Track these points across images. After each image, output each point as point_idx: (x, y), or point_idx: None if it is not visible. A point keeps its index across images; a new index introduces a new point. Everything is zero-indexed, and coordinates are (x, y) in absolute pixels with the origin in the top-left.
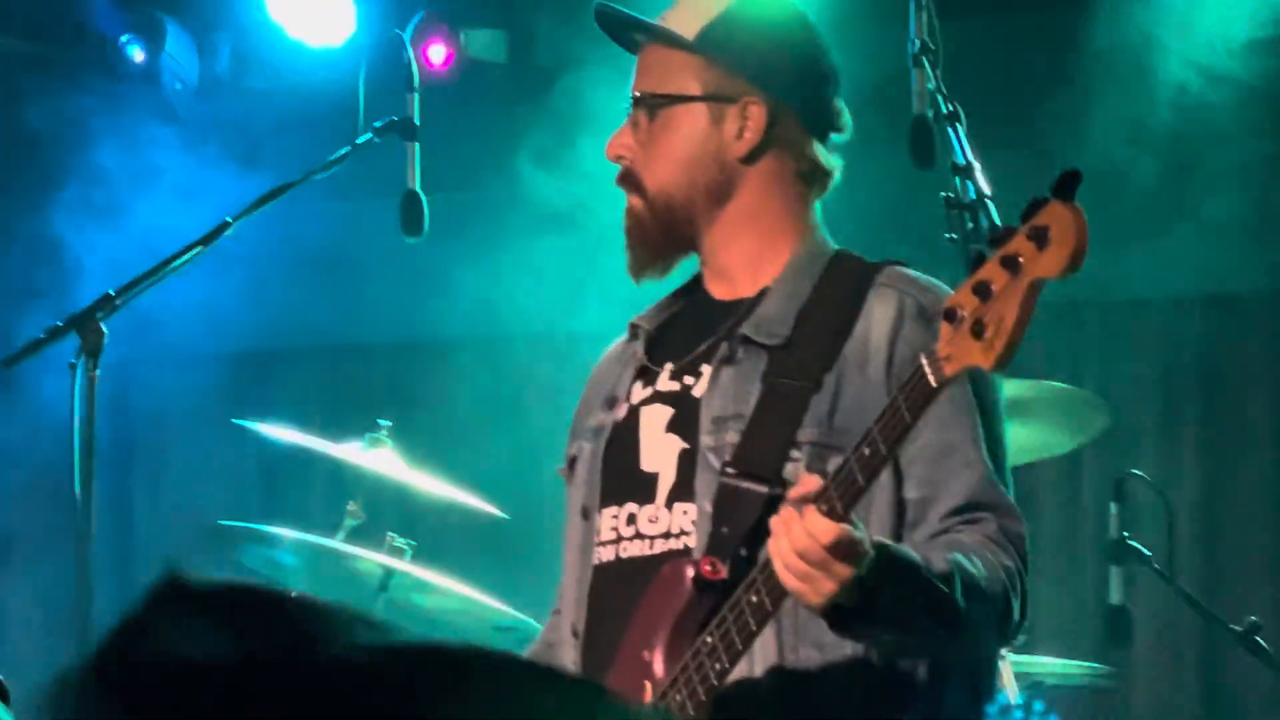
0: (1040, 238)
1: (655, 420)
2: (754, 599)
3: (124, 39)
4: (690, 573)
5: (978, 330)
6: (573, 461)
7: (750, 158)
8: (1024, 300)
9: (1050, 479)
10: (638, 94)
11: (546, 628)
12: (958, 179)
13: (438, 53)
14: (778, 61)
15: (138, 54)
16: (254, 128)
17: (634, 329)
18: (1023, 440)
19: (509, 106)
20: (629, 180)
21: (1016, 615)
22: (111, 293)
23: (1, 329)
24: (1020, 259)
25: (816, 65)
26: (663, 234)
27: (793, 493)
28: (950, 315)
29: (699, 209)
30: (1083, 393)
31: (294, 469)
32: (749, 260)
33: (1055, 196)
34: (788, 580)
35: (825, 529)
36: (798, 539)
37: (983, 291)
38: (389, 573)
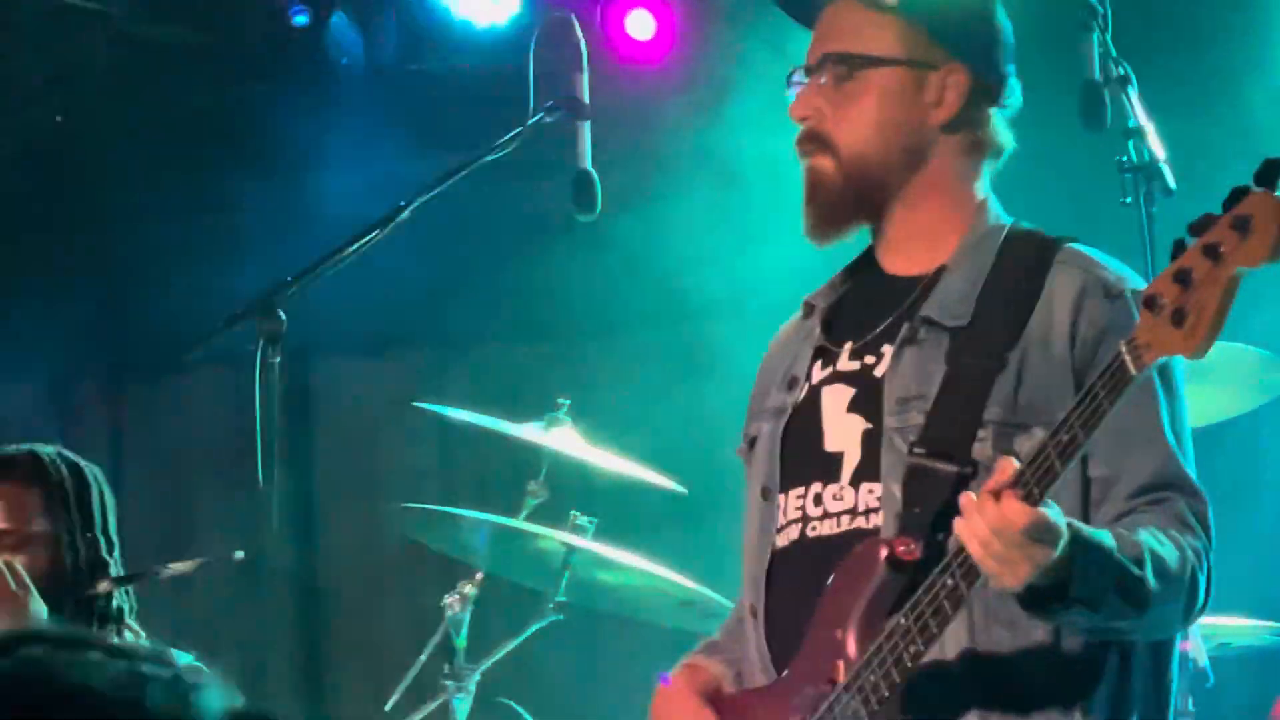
0: (1243, 227)
1: (837, 400)
2: (949, 582)
3: (292, 15)
4: (884, 553)
5: (1178, 319)
6: (752, 442)
7: (947, 127)
8: (1225, 290)
9: (1232, 439)
10: (831, 53)
11: (737, 605)
12: (1131, 142)
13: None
14: (974, 30)
15: (305, 32)
16: (424, 109)
17: (808, 307)
18: (1204, 402)
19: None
20: (817, 140)
21: (1202, 596)
22: (290, 279)
23: (181, 318)
24: (1222, 248)
25: (1003, 36)
26: (853, 197)
27: (990, 482)
28: (1150, 303)
29: (892, 175)
30: (1263, 353)
31: (473, 450)
32: (927, 232)
33: (1257, 185)
34: (985, 563)
35: (1022, 514)
36: (995, 522)
37: (1183, 279)
38: (571, 550)
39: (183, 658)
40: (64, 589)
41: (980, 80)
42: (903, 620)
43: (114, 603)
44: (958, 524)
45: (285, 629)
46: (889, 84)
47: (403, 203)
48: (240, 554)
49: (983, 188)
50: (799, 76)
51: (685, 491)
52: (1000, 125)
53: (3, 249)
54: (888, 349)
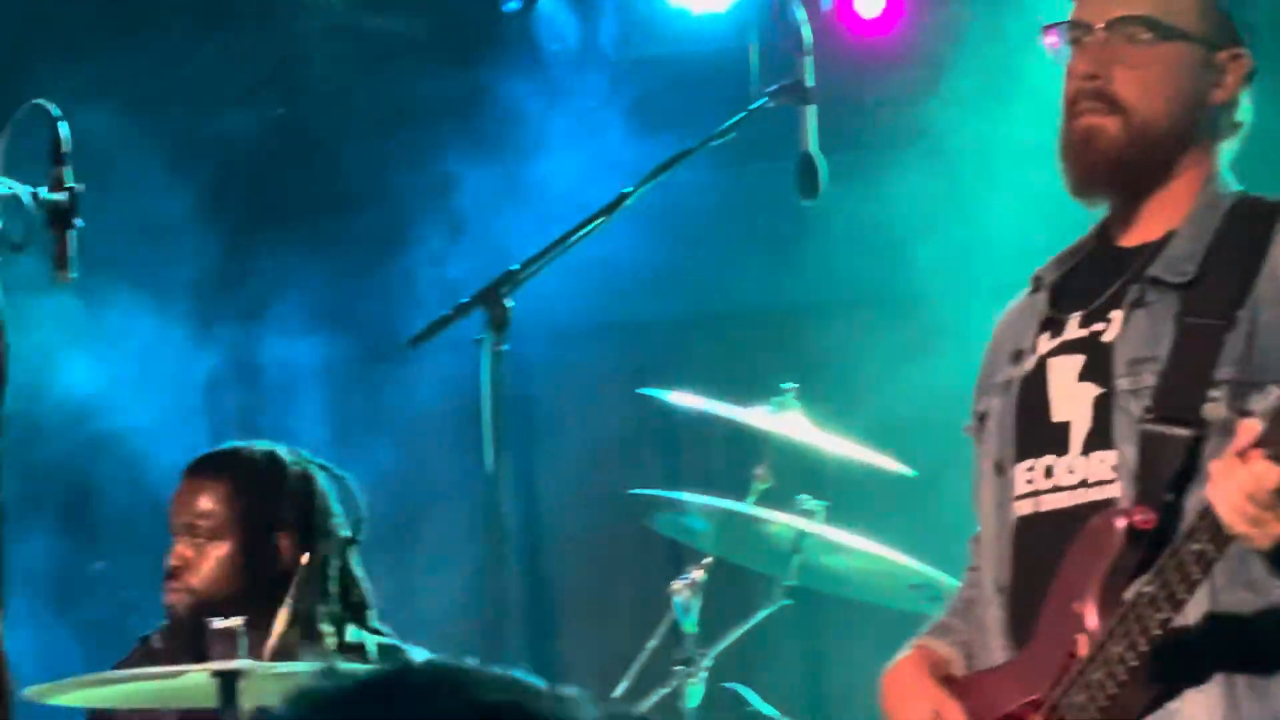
0: None
1: (1065, 370)
2: (1196, 546)
3: (503, 1)
4: (1122, 524)
5: None
6: (982, 418)
7: (1221, 108)
8: None
9: None
10: (1135, 16)
11: (965, 585)
12: None
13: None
14: (1249, 12)
15: (515, 17)
16: (644, 94)
17: (1036, 281)
18: None
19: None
20: (1104, 99)
21: None
22: (515, 268)
23: (406, 303)
24: None
25: (1250, 17)
26: (1133, 163)
27: (1235, 443)
28: None
29: (1170, 149)
30: None
31: (696, 435)
32: (1162, 203)
33: None
34: (1237, 524)
35: (1273, 472)
36: (1246, 484)
37: None
38: (801, 535)
39: (416, 653)
40: (262, 584)
41: (1250, 64)
42: (1147, 589)
43: (352, 599)
44: (1210, 489)
45: (513, 616)
46: (1186, 58)
47: (627, 189)
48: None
49: (1221, 161)
50: (1082, 32)
51: (915, 474)
52: (1248, 106)
53: (231, 240)
54: (1116, 314)
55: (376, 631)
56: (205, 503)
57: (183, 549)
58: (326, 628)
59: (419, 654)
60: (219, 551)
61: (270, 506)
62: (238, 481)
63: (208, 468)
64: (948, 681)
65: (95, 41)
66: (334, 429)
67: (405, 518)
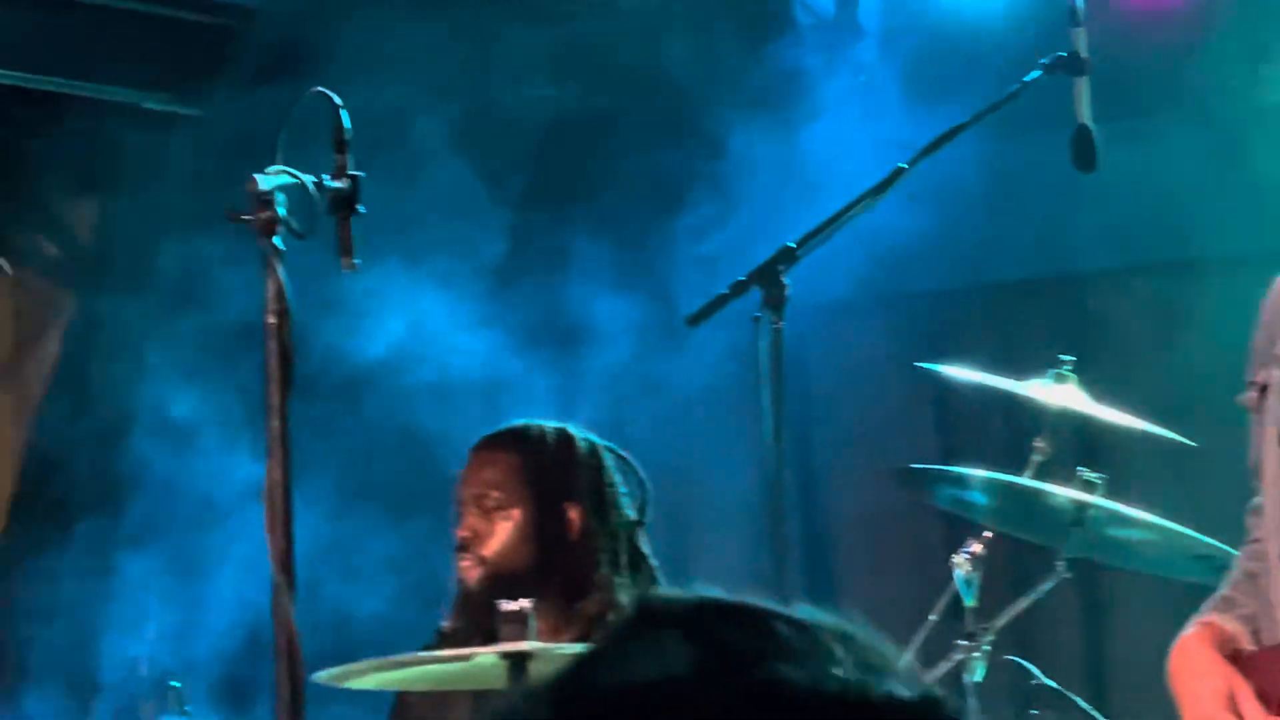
0: None
1: None
2: None
3: None
4: None
5: None
6: (1263, 389)
7: None
8: None
9: None
10: None
11: (1244, 557)
12: None
13: None
14: None
15: None
16: (909, 67)
17: None
18: None
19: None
20: None
21: None
22: (792, 245)
23: (681, 279)
24: None
25: None
26: None
27: None
28: None
29: None
30: None
31: (972, 408)
32: None
33: None
34: None
35: None
36: None
37: None
38: (1083, 507)
39: None
40: (552, 558)
41: None
42: None
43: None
44: None
45: (791, 591)
46: None
47: (902, 164)
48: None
49: None
50: None
51: (1195, 445)
52: None
53: (515, 220)
54: None
55: None
56: (496, 476)
57: (473, 522)
58: (622, 604)
59: None
60: (510, 524)
61: (561, 481)
62: (528, 455)
63: (498, 442)
64: (1235, 658)
65: (387, 19)
66: (611, 407)
67: (682, 495)
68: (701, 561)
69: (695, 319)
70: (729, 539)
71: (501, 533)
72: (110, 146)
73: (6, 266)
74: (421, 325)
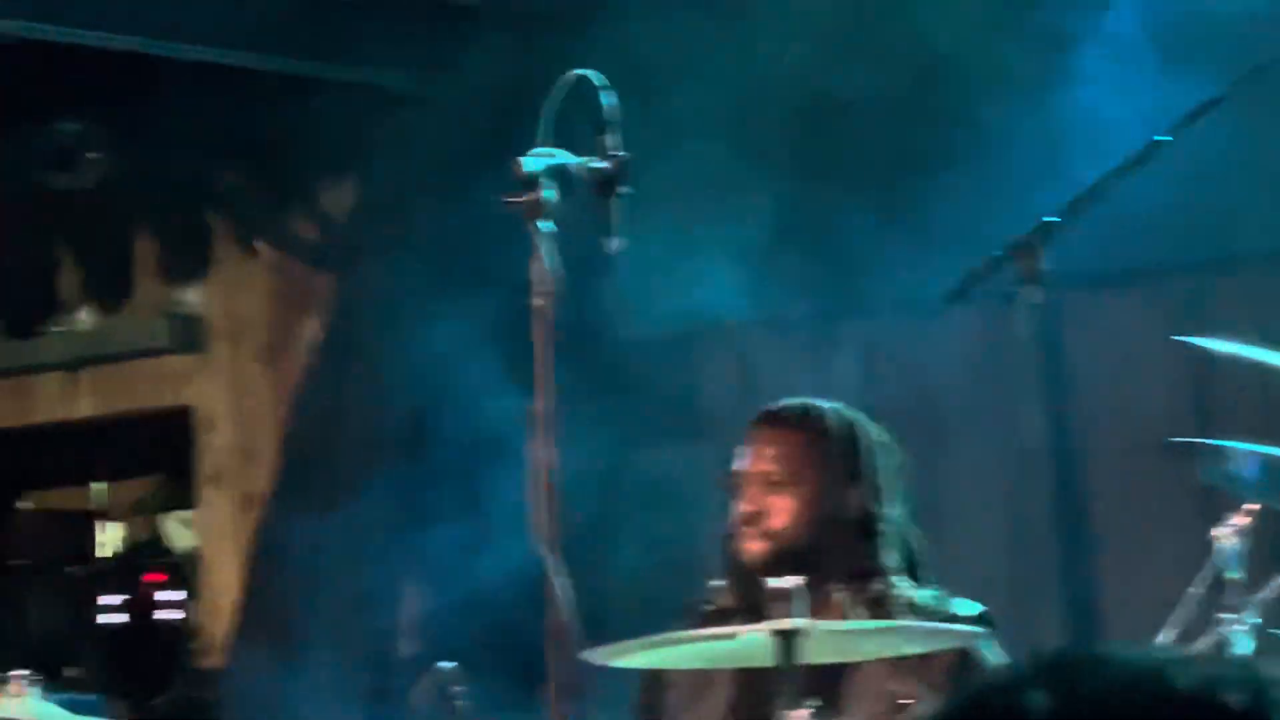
0: None
1: None
2: None
3: None
4: None
5: None
6: None
7: None
8: None
9: None
10: None
11: None
12: None
13: None
14: None
15: None
16: (1160, 36)
17: None
18: None
19: None
20: None
21: None
22: (1050, 219)
23: (930, 255)
24: None
25: None
26: None
27: None
28: None
29: None
30: None
31: (1230, 381)
32: None
33: None
34: None
35: None
36: None
37: None
38: None
39: (964, 606)
40: (824, 537)
41: None
42: None
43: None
44: None
45: (1051, 564)
46: None
47: (1163, 136)
48: None
49: None
50: None
51: None
52: None
53: (783, 199)
54: None
55: (928, 587)
56: (784, 452)
57: (759, 497)
58: (897, 585)
59: (968, 607)
60: (796, 501)
61: (844, 461)
62: (815, 434)
63: (785, 419)
64: None
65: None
66: (867, 383)
67: (937, 473)
68: (957, 536)
69: (953, 297)
70: (986, 512)
71: (788, 509)
72: (364, 128)
73: (263, 246)
74: (683, 302)
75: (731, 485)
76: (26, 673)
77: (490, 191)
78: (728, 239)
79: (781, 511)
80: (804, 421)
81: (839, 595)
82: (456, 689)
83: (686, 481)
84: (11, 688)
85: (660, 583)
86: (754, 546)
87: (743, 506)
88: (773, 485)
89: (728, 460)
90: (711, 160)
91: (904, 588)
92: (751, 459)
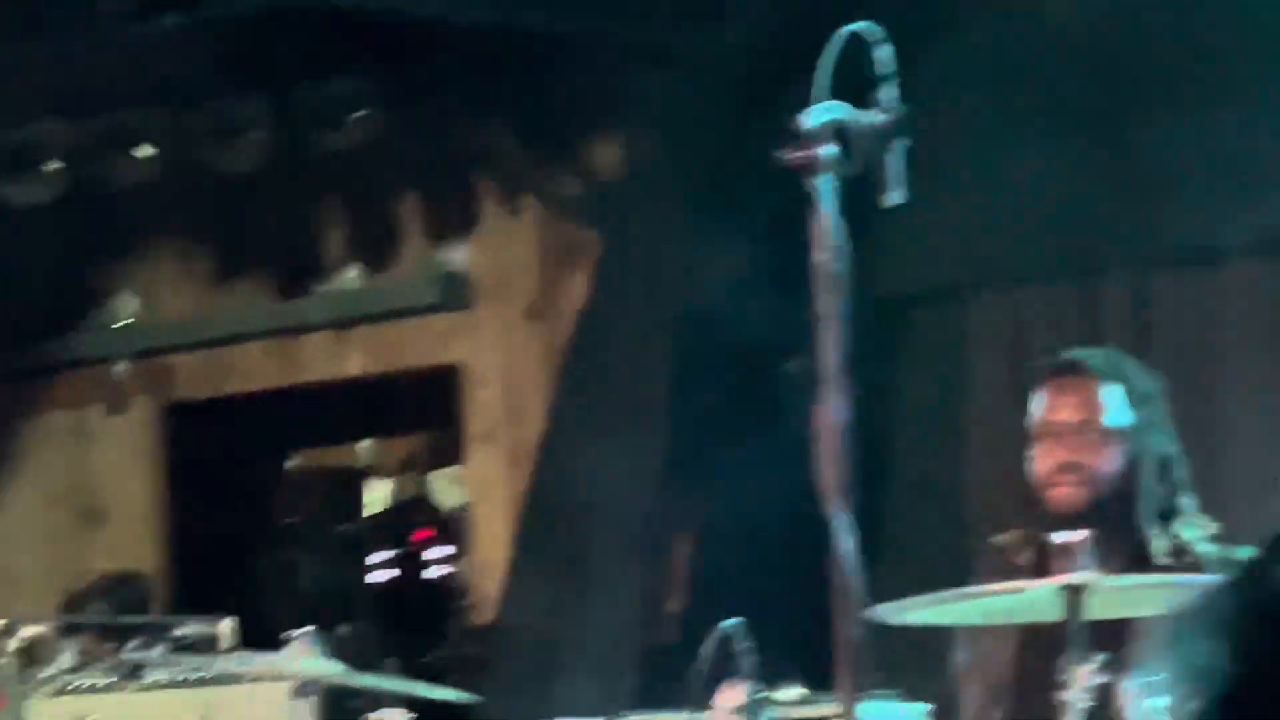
0: None
1: None
2: None
3: None
4: None
5: None
6: None
7: None
8: None
9: None
10: None
11: None
12: None
13: None
14: None
15: None
16: None
17: None
18: None
19: None
20: None
21: None
22: None
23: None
24: None
25: None
26: None
27: None
28: None
29: None
30: None
31: None
32: None
33: None
34: None
35: None
36: None
37: None
38: None
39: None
40: (1138, 480)
41: None
42: None
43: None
44: None
45: None
46: None
47: None
48: None
49: None
50: None
51: None
52: None
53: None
54: None
55: (1209, 534)
56: (1090, 399)
57: (1072, 445)
58: (1189, 529)
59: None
60: (1109, 446)
61: (1146, 405)
62: (1117, 380)
63: (1086, 367)
64: None
65: None
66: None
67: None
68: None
69: (1246, 249)
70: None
71: (1105, 455)
72: (631, 85)
73: (529, 203)
74: (976, 255)
75: (1036, 434)
76: (309, 630)
77: (757, 146)
78: (1005, 191)
79: (1099, 458)
80: (1109, 369)
81: (1123, 549)
82: (742, 646)
83: (957, 436)
84: (296, 646)
85: (934, 540)
86: (1070, 494)
87: (1057, 455)
88: (1087, 433)
89: (999, 414)
90: (985, 113)
91: (1193, 535)
92: (1059, 408)
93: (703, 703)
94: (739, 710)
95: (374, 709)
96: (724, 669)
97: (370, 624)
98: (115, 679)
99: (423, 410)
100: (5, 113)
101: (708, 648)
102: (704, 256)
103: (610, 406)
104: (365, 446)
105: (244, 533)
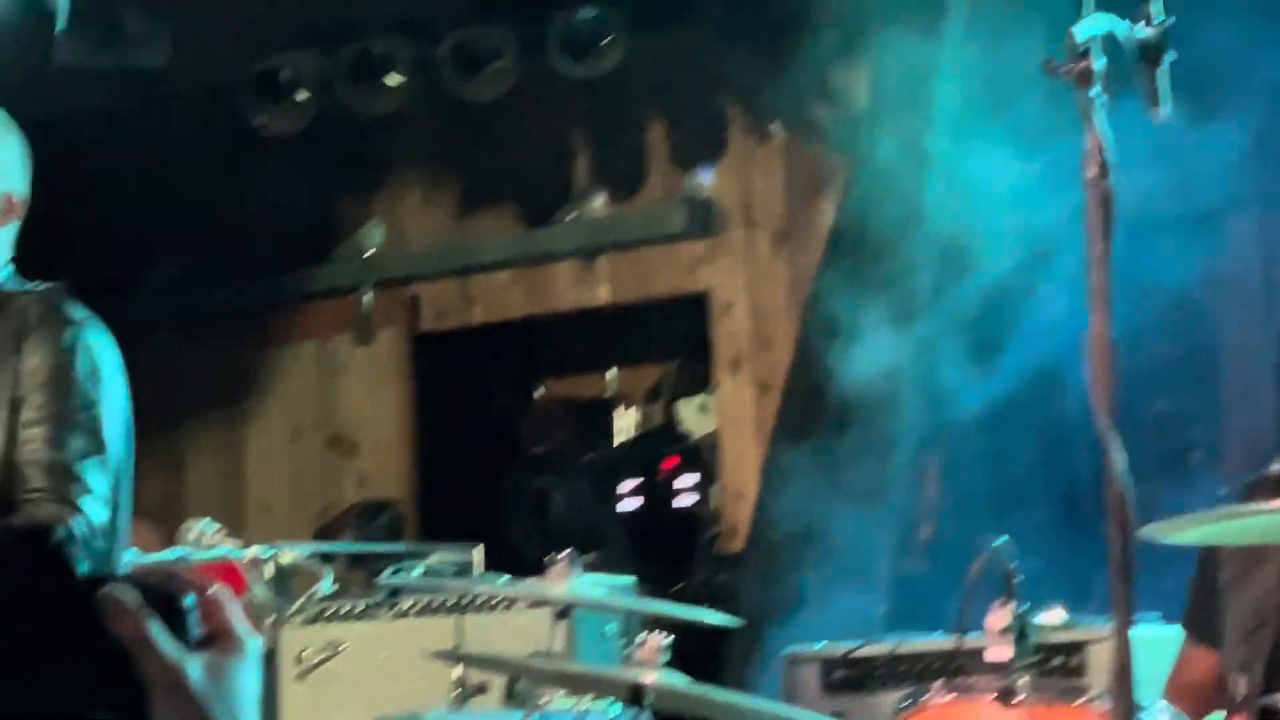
0: None
1: None
2: None
3: None
4: None
5: None
6: None
7: None
8: None
9: None
10: None
11: None
12: None
13: None
14: None
15: None
16: None
17: None
18: None
19: None
20: None
21: None
22: None
23: None
24: None
25: None
26: None
27: None
28: None
29: None
30: None
31: None
32: None
33: None
34: None
35: None
36: None
37: None
38: None
39: None
40: None
41: None
42: None
43: None
44: None
45: None
46: None
47: None
48: None
49: None
50: None
51: None
52: None
53: None
54: None
55: None
56: None
57: None
58: None
59: None
60: None
61: None
62: None
63: None
64: None
65: None
66: None
67: None
68: None
69: None
70: None
71: None
72: (877, 8)
73: (777, 129)
74: (1239, 172)
75: None
76: (570, 553)
77: (1022, 60)
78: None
79: None
80: None
81: None
82: (1012, 566)
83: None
84: (558, 569)
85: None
86: None
87: None
88: None
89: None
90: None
91: None
92: None
93: (969, 624)
94: (1007, 631)
95: (632, 634)
96: (989, 590)
97: (618, 552)
98: (369, 606)
99: (670, 338)
100: (256, 43)
101: (974, 567)
102: (959, 177)
103: (859, 333)
104: (612, 375)
105: (491, 462)
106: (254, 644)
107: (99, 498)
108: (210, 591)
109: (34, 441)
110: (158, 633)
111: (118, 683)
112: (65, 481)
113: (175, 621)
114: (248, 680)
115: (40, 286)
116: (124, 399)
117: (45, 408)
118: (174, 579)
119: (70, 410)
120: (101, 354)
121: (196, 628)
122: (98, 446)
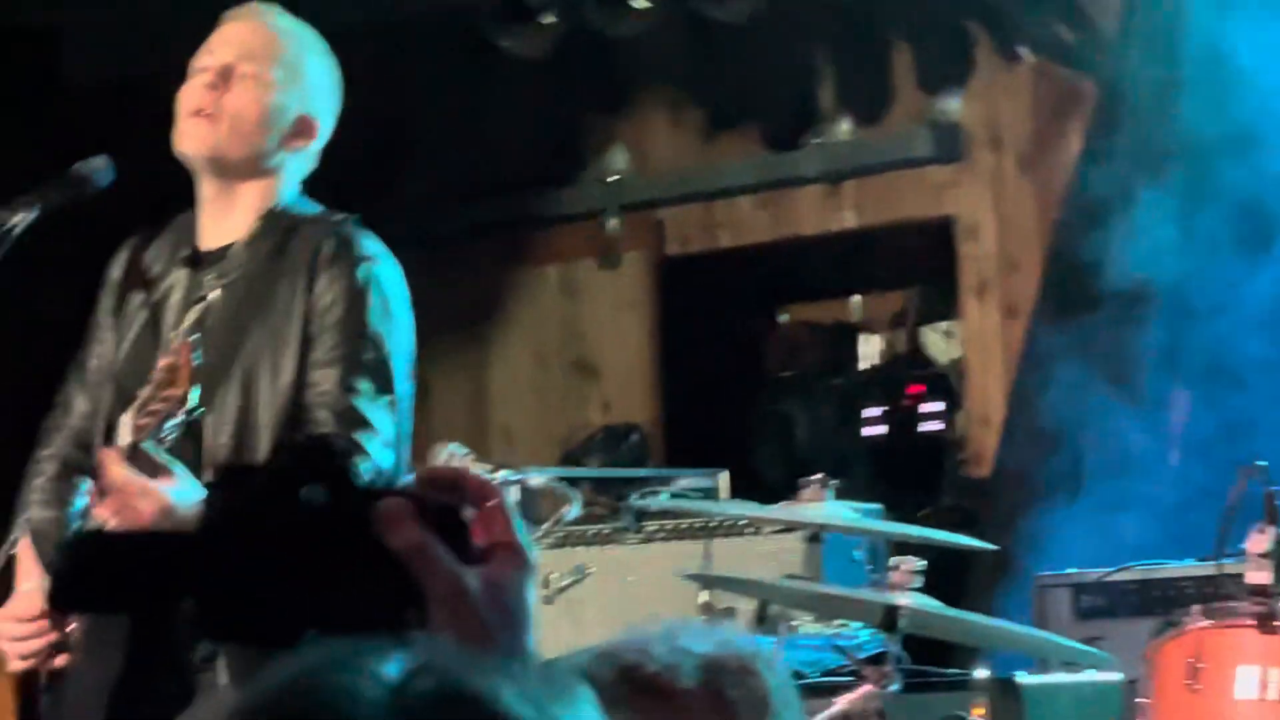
0: None
1: None
2: None
3: None
4: None
5: None
6: None
7: None
8: None
9: None
10: None
11: None
12: None
13: None
14: None
15: None
16: None
17: None
18: None
19: None
20: None
21: None
22: None
23: None
24: None
25: None
26: None
27: None
28: None
29: None
30: None
31: None
32: None
33: None
34: None
35: None
36: None
37: None
38: None
39: None
40: None
41: None
42: None
43: None
44: None
45: None
46: None
47: None
48: None
49: None
50: None
51: None
52: None
53: None
54: None
55: None
56: None
57: None
58: None
59: None
60: None
61: None
62: None
63: None
64: None
65: None
66: None
67: None
68: None
69: None
70: None
71: None
72: None
73: (1024, 51)
74: None
75: None
76: (821, 477)
77: None
78: None
79: None
80: None
81: None
82: (1272, 489)
83: None
84: (810, 492)
85: None
86: None
87: None
88: None
89: None
90: None
91: None
92: None
93: (1227, 549)
94: (1266, 555)
95: (879, 559)
96: (1249, 514)
97: (864, 478)
98: (615, 530)
99: (915, 263)
100: None
101: (1234, 491)
102: (1194, 99)
103: (1107, 262)
104: (857, 300)
105: (736, 386)
106: (534, 557)
107: (385, 441)
108: (492, 503)
109: (324, 383)
110: (436, 544)
111: (396, 594)
112: (353, 426)
113: (456, 533)
114: (528, 594)
115: (334, 215)
116: (410, 333)
117: (337, 349)
118: (456, 490)
119: (360, 352)
120: (392, 290)
121: (477, 540)
122: (386, 387)
